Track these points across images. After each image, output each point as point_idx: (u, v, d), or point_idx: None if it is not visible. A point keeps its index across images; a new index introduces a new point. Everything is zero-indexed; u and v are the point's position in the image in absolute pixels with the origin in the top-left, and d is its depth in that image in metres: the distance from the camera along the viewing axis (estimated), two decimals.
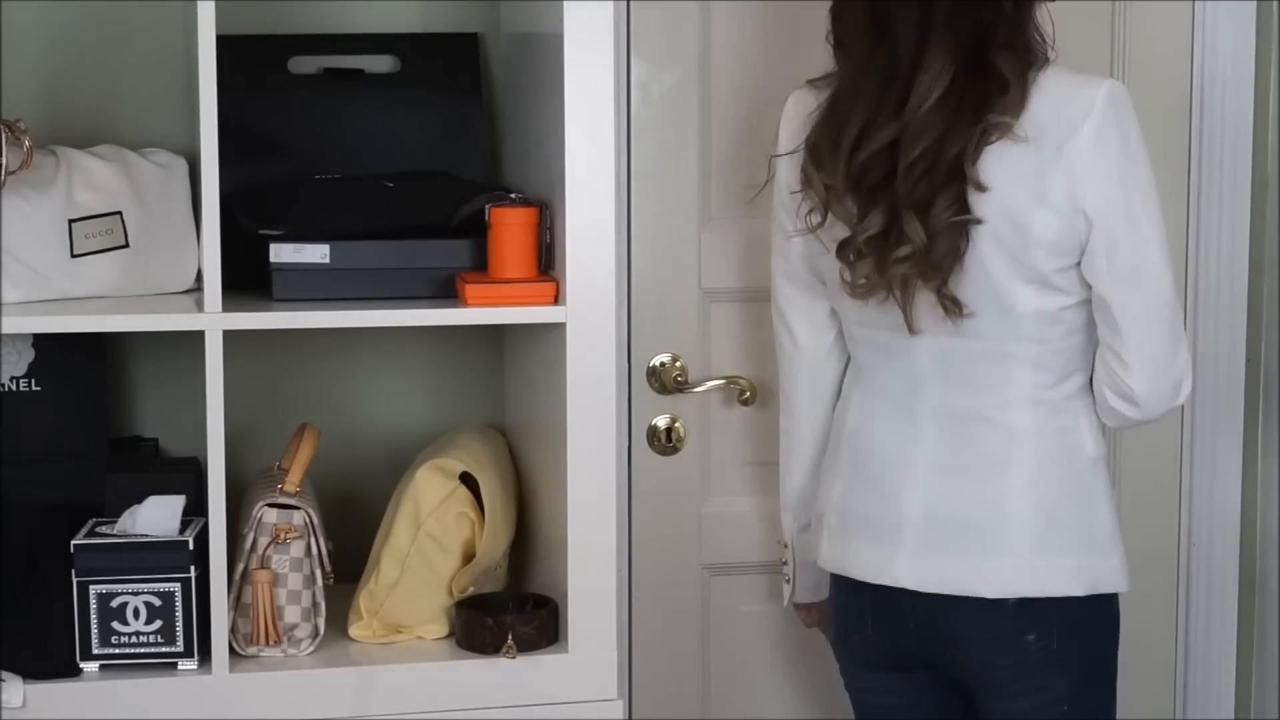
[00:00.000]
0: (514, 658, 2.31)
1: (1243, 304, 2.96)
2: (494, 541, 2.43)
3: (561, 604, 2.37)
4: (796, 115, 2.32)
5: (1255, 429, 2.97)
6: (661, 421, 2.85)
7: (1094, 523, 2.28)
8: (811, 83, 2.32)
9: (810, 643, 2.76)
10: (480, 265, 2.37)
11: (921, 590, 2.27)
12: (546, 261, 2.37)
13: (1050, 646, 2.26)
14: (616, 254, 2.34)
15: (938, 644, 2.30)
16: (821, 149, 2.23)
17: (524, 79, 2.54)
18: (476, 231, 2.36)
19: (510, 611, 2.38)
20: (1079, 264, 2.20)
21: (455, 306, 2.35)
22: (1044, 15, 2.26)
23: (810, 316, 2.40)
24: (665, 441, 2.85)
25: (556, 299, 2.32)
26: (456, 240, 2.39)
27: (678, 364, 2.84)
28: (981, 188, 2.16)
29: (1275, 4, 2.92)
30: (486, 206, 2.35)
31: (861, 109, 2.19)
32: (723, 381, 2.85)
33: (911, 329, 2.23)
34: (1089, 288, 2.22)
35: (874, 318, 2.28)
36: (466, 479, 2.43)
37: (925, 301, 2.22)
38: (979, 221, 2.17)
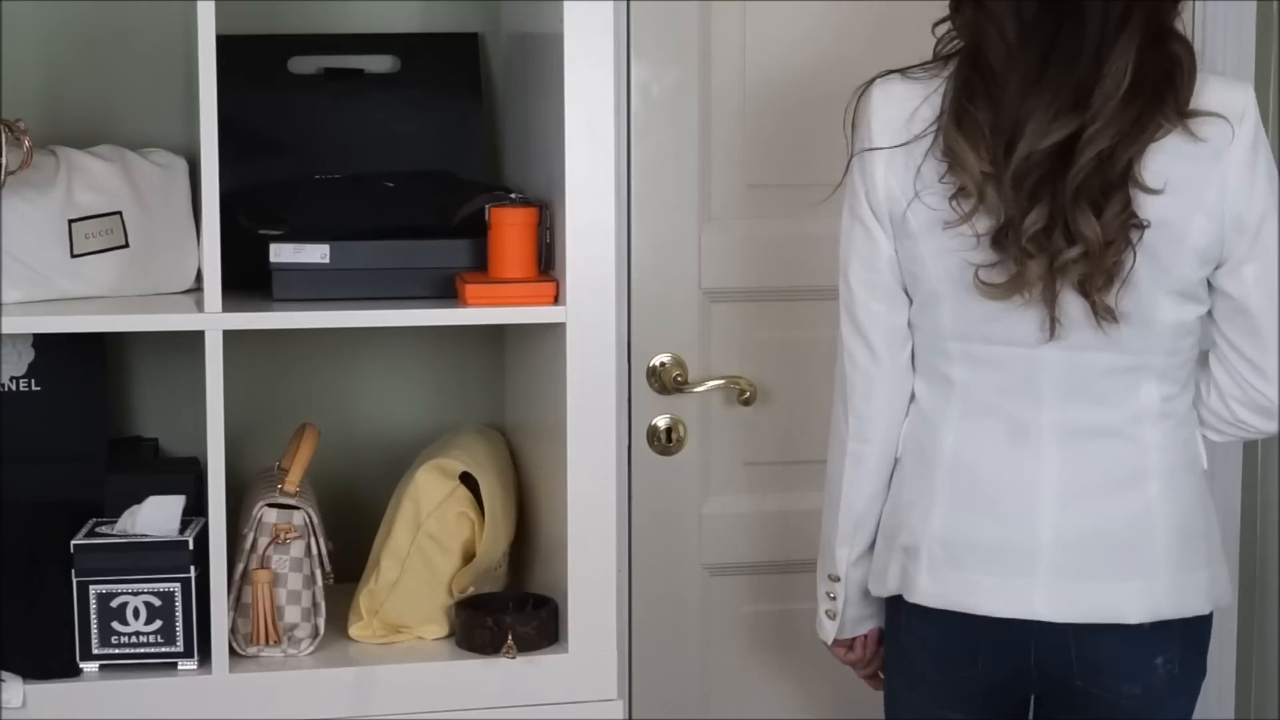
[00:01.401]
0: (514, 658, 2.31)
1: None
2: (494, 541, 2.43)
3: (561, 604, 2.37)
4: (899, 110, 2.13)
5: None
6: (661, 421, 2.85)
7: (1214, 536, 2.21)
8: (904, 73, 2.15)
9: (809, 644, 2.75)
10: (480, 265, 2.36)
11: (1058, 621, 2.14)
12: (546, 261, 2.37)
13: (1174, 670, 2.16)
14: (616, 254, 2.34)
15: (1062, 677, 2.17)
16: (973, 135, 2.06)
17: (524, 79, 2.54)
18: (476, 231, 2.36)
19: (510, 611, 2.38)
20: (1213, 272, 2.12)
21: (455, 306, 2.34)
22: None
23: (891, 329, 2.20)
24: (665, 441, 2.85)
25: (556, 299, 2.32)
26: (456, 240, 2.39)
27: (678, 364, 2.84)
28: (1150, 190, 2.04)
29: (1275, 4, 2.92)
30: (486, 206, 2.35)
31: (1040, 98, 2.03)
32: (723, 381, 2.85)
33: (1053, 334, 2.10)
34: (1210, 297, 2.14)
35: (984, 329, 2.14)
36: (466, 479, 2.43)
37: (1067, 308, 2.09)
38: (1148, 225, 2.05)
